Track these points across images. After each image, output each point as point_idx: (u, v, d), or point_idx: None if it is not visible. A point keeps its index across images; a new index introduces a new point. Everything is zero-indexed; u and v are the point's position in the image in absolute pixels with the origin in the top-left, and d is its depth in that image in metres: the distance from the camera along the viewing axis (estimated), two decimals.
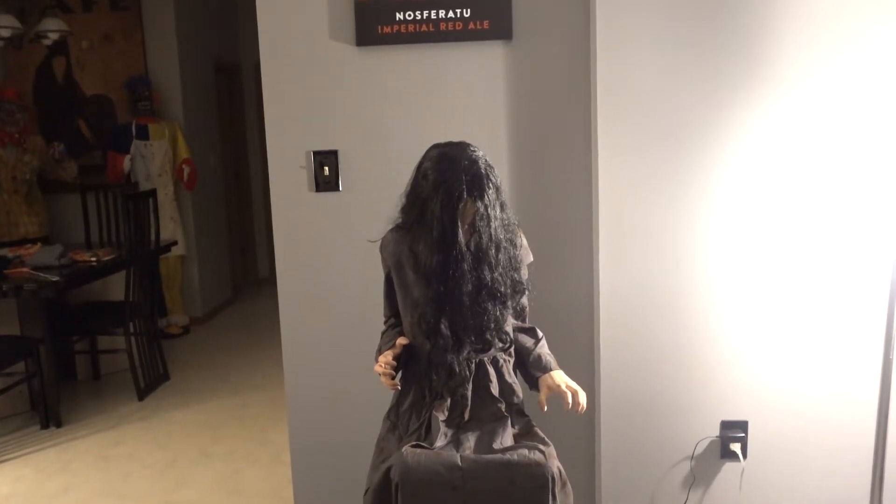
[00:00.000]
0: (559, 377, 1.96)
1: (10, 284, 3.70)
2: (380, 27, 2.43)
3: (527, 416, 2.02)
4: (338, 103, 2.48)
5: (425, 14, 2.41)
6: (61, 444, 3.71)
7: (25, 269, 3.91)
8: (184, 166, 5.44)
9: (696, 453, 2.41)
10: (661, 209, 2.32)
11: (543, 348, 2.04)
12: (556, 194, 2.50)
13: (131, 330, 4.31)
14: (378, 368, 1.89)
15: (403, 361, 1.98)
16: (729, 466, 2.41)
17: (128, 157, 5.28)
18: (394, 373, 1.91)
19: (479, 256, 1.87)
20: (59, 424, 3.89)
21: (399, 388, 1.96)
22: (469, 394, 1.93)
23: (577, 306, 2.51)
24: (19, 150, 4.74)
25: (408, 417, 1.97)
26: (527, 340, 2.05)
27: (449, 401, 1.93)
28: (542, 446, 1.86)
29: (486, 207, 1.84)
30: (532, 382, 2.03)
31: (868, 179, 2.24)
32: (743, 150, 2.27)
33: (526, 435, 1.96)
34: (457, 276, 1.85)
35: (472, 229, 1.86)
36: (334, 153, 2.49)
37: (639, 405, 2.41)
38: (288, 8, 2.45)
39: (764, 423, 2.38)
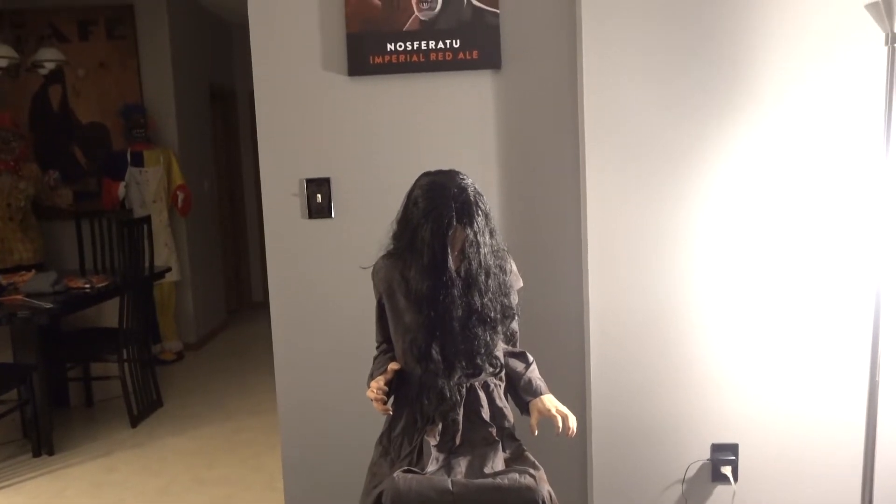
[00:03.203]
0: (549, 401, 1.98)
1: (3, 311, 3.70)
2: (371, 57, 2.47)
3: (518, 440, 2.04)
4: (330, 132, 2.52)
5: (416, 45, 2.46)
6: (54, 471, 3.69)
7: (19, 296, 3.91)
8: (178, 192, 5.46)
9: (687, 476, 2.42)
10: (649, 233, 2.35)
11: (534, 373, 2.06)
12: (546, 219, 2.53)
13: (125, 356, 4.31)
14: (370, 394, 1.91)
15: (395, 386, 2.00)
16: (720, 490, 2.42)
17: (122, 183, 5.31)
18: (385, 398, 1.92)
19: (469, 282, 1.89)
20: (51, 452, 3.87)
21: (391, 413, 1.98)
22: (460, 418, 1.95)
23: (568, 330, 2.53)
24: (14, 177, 4.76)
25: (399, 442, 1.99)
26: (517, 365, 2.07)
27: (440, 425, 1.94)
28: (532, 470, 1.87)
29: (475, 234, 1.87)
30: (523, 407, 2.04)
31: (852, 198, 2.29)
32: (728, 170, 2.31)
33: (517, 459, 1.97)
34: (447, 301, 1.87)
35: (462, 256, 1.89)
36: (327, 181, 2.53)
37: (630, 428, 2.42)
38: (281, 39, 2.49)
39: (754, 447, 2.39)
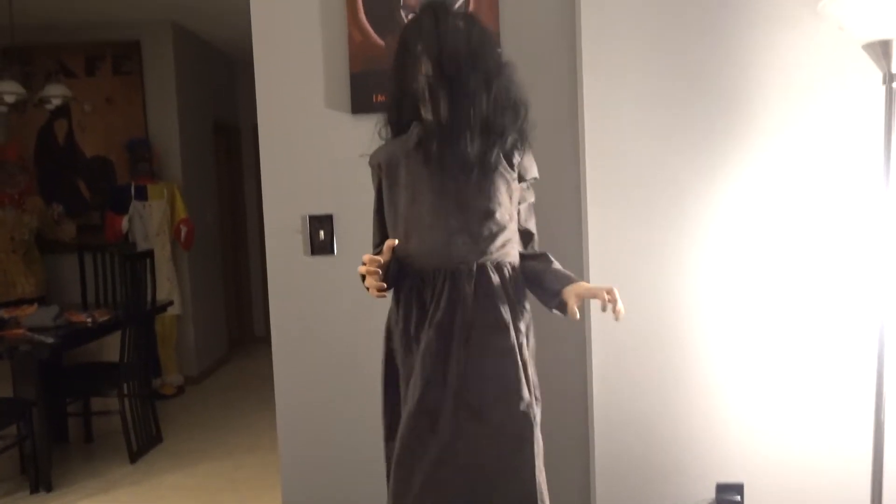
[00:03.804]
0: (587, 284, 1.87)
1: (4, 345, 3.70)
2: (375, 96, 2.50)
3: (527, 339, 1.92)
4: (333, 169, 2.53)
5: None
6: None
7: (21, 330, 3.91)
8: (181, 226, 5.49)
9: None
10: (652, 261, 2.34)
11: (558, 266, 1.95)
12: (547, 246, 2.52)
13: (125, 391, 4.29)
14: (363, 267, 1.74)
15: (393, 276, 1.88)
16: None
17: (126, 217, 5.34)
18: (380, 273, 1.76)
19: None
20: (49, 488, 3.83)
21: (386, 296, 1.81)
22: (470, 293, 1.83)
23: (570, 365, 2.51)
24: (19, 210, 4.79)
25: (408, 331, 1.90)
26: (537, 264, 1.97)
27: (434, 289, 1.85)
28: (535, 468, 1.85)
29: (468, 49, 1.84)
30: (553, 300, 1.91)
31: (853, 229, 2.29)
32: (729, 199, 2.31)
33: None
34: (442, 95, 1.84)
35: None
36: (329, 217, 2.53)
37: (633, 467, 2.39)
38: (286, 77, 2.52)
39: (759, 487, 2.36)
